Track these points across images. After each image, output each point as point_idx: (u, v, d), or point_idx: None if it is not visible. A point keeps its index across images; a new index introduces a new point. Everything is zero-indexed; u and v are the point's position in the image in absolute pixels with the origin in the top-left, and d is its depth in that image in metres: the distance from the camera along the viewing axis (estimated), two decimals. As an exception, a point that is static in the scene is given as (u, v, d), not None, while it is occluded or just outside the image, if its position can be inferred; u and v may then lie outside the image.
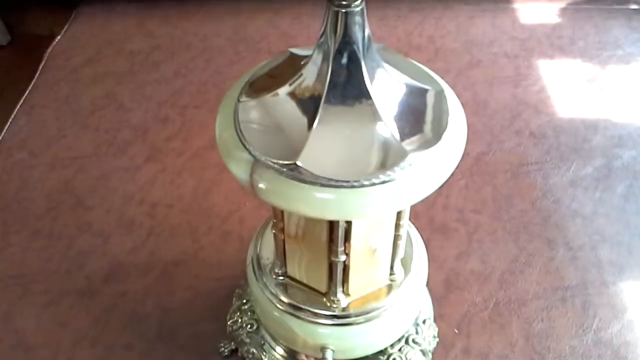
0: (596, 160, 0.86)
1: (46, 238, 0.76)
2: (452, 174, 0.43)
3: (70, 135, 0.91)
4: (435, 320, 0.65)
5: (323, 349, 0.53)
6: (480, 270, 0.72)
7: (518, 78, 1.01)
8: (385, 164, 0.40)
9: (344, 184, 0.40)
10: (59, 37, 1.11)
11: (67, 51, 1.08)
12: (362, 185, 0.40)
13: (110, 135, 0.90)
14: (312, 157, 0.40)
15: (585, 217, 0.79)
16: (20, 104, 0.97)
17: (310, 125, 0.41)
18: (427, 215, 0.78)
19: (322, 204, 0.40)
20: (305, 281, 0.53)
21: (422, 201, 0.42)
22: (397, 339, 0.57)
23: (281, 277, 0.54)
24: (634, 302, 0.69)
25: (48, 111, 0.95)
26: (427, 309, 0.64)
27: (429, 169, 0.41)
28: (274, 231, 0.51)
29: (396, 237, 0.51)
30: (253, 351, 0.59)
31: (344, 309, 0.52)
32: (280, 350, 0.59)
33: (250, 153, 0.42)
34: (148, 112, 0.94)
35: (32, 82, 1.01)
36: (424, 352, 0.59)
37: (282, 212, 0.49)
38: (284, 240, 0.51)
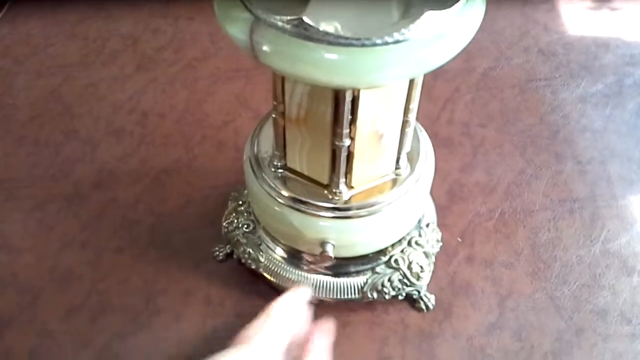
0: (607, 77, 0.83)
1: (31, 144, 0.73)
2: (470, 42, 0.39)
3: (57, 44, 0.86)
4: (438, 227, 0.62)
5: (323, 243, 0.51)
6: (485, 182, 0.70)
7: (527, -5, 0.96)
8: (399, 22, 0.36)
9: (354, 42, 0.36)
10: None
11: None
12: (374, 44, 0.36)
13: (99, 44, 0.86)
14: (319, 13, 0.36)
15: (595, 132, 0.76)
16: (2, 13, 0.92)
17: (317, -24, 0.37)
18: (431, 129, 0.74)
19: (330, 65, 0.36)
20: (306, 172, 0.50)
21: (438, 68, 0.39)
22: (399, 237, 0.55)
23: (280, 170, 0.51)
24: (643, 215, 0.67)
25: (32, 20, 0.90)
26: (430, 213, 0.61)
27: (446, 30, 0.37)
28: (273, 115, 0.48)
29: (404, 124, 0.48)
30: (249, 251, 0.57)
31: (345, 202, 0.49)
32: (279, 250, 0.56)
33: (250, 11, 0.38)
34: (139, 23, 0.89)
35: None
36: (426, 255, 0.57)
37: (282, 91, 0.45)
38: (284, 127, 0.48)
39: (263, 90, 0.79)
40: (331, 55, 0.36)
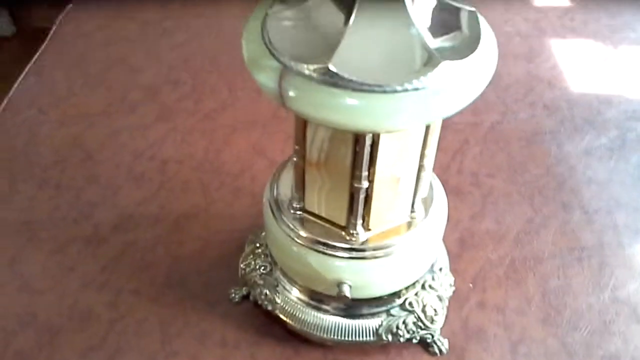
0: (610, 132, 0.86)
1: (54, 188, 0.75)
2: (482, 92, 0.42)
3: (80, 94, 0.90)
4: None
5: (340, 283, 0.52)
6: (495, 230, 0.71)
7: (531, 55, 1.00)
8: (418, 71, 0.39)
9: (376, 88, 0.39)
10: (68, 7, 1.10)
11: (76, 19, 1.07)
12: (395, 91, 0.39)
13: (121, 94, 0.90)
14: (344, 61, 0.39)
15: (600, 183, 0.78)
16: (29, 66, 0.96)
17: (342, 28, 0.40)
18: (441, 178, 0.76)
19: (352, 110, 0.39)
20: (324, 214, 0.52)
21: (451, 117, 0.41)
22: (413, 280, 0.56)
23: (299, 212, 0.53)
24: (650, 263, 0.68)
25: (58, 72, 0.94)
26: (443, 258, 0.62)
27: (461, 79, 0.40)
28: (294, 158, 0.50)
29: (420, 169, 0.50)
30: (266, 292, 0.58)
31: (362, 243, 0.51)
32: (295, 291, 0.58)
33: (278, 60, 0.41)
34: (159, 75, 0.93)
35: (42, 47, 1.00)
36: (440, 298, 0.58)
37: (304, 136, 0.48)
38: (303, 170, 0.50)
39: (278, 140, 0.82)
40: (353, 100, 0.39)
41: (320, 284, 0.54)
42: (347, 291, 0.52)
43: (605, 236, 0.71)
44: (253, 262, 0.61)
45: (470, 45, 0.42)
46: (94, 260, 0.67)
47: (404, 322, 0.56)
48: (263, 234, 0.63)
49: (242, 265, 0.62)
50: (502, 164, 0.80)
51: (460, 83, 0.40)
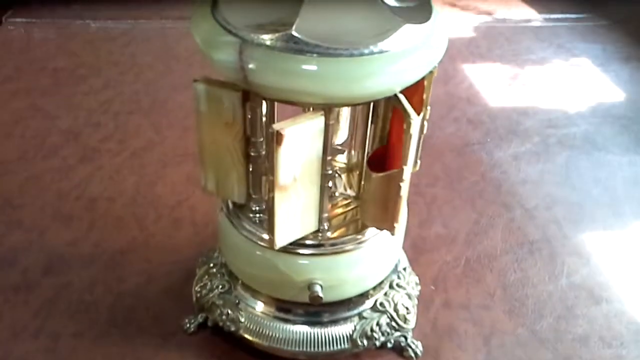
0: (533, 138, 0.90)
1: (-31, 239, 0.67)
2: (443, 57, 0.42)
3: (-9, 143, 0.83)
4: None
5: (311, 284, 0.49)
6: (444, 234, 0.71)
7: (446, 78, 1.05)
8: (382, 34, 0.39)
9: (343, 52, 0.38)
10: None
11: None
12: (362, 54, 0.38)
13: (38, 141, 0.83)
14: (307, 28, 0.38)
15: (534, 183, 0.80)
16: None
17: (302, -3, 0.39)
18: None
19: (320, 76, 0.38)
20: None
21: (416, 81, 0.41)
22: (383, 276, 0.54)
23: (259, 214, 0.50)
24: (596, 249, 0.70)
25: (-37, 123, 0.87)
26: (404, 260, 0.61)
27: (424, 41, 0.40)
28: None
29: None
30: (227, 312, 0.54)
31: (329, 238, 0.49)
32: (260, 305, 0.54)
33: (236, 35, 0.39)
34: (78, 119, 0.88)
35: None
36: (409, 296, 0.56)
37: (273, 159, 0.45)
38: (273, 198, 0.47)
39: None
40: (320, 65, 0.38)
41: (288, 290, 0.50)
42: (319, 291, 0.49)
43: (548, 230, 0.73)
44: (209, 283, 0.56)
45: (425, 11, 0.42)
46: (25, 307, 0.60)
47: (377, 324, 0.53)
48: (216, 253, 0.59)
49: (196, 289, 0.57)
50: (440, 173, 0.81)
51: (423, 45, 0.40)
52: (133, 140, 0.85)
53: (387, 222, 0.47)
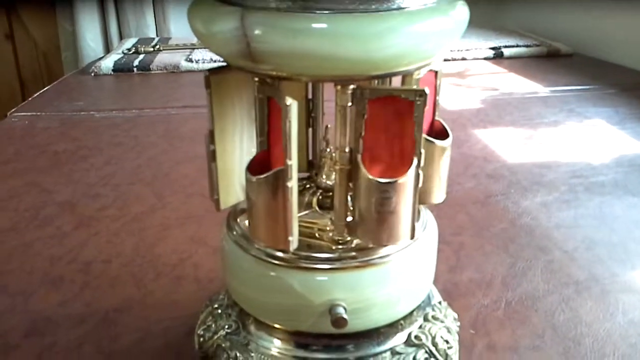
0: (559, 188, 0.84)
1: (-54, 305, 0.60)
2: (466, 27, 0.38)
3: (-19, 217, 0.78)
4: (447, 315, 0.54)
5: (332, 306, 0.41)
6: (478, 279, 0.64)
7: (459, 142, 1.01)
8: (396, -11, 0.35)
9: (358, 7, 0.34)
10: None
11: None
12: (378, 10, 0.34)
13: (32, 213, 0.78)
14: (313, -17, 0.34)
15: (569, 227, 0.74)
16: None
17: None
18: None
19: (334, 33, 0.34)
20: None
21: (440, 49, 0.37)
22: (416, 303, 0.46)
23: (269, 229, 0.44)
24: (651, 286, 0.62)
25: (-46, 201, 0.82)
26: (437, 294, 0.53)
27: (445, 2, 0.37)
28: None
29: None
30: (236, 354, 0.45)
31: (351, 249, 0.42)
32: (276, 342, 0.45)
33: (237, 4, 0.36)
34: (76, 192, 0.84)
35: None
36: (449, 330, 0.48)
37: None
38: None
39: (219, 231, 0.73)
40: (334, 22, 0.34)
41: (307, 317, 0.43)
42: (342, 312, 0.41)
43: (594, 269, 0.65)
44: (213, 325, 0.48)
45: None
46: (0, 370, 0.51)
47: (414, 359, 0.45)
48: (221, 295, 0.51)
49: (199, 332, 0.49)
50: (465, 223, 0.75)
51: (445, 6, 0.36)
52: (134, 207, 0.80)
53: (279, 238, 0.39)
